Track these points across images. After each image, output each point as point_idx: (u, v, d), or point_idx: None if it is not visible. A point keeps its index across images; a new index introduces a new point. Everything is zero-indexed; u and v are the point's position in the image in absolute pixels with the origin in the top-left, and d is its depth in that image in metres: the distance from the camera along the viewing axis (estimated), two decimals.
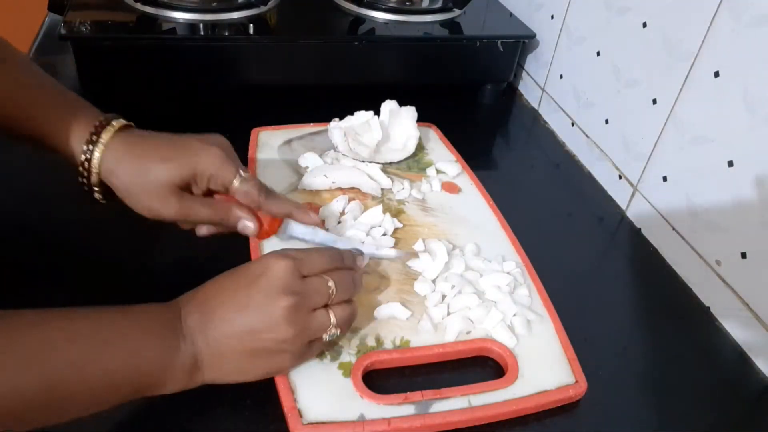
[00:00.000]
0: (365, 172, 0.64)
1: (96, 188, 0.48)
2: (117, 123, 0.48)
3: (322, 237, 0.52)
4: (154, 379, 0.38)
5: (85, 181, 0.48)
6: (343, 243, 0.52)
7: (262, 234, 0.51)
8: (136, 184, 0.47)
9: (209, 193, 0.50)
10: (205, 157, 0.48)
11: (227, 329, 0.40)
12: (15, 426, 0.33)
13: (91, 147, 0.47)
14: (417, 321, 0.49)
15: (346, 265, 0.46)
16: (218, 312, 0.40)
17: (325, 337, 0.43)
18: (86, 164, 0.47)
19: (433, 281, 0.52)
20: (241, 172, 0.49)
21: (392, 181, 0.64)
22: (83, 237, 0.57)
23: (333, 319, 0.43)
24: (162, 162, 0.47)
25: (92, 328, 0.37)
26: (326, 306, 0.43)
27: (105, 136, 0.47)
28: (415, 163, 0.69)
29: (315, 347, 0.44)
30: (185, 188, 0.48)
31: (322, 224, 0.54)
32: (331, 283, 0.43)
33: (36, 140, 0.48)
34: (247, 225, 0.49)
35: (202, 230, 0.52)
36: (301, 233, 0.52)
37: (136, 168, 0.47)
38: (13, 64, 0.49)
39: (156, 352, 0.38)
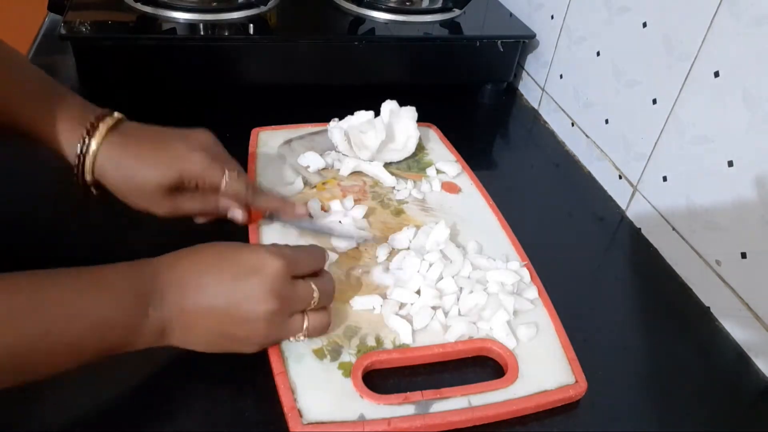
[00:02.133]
0: (368, 171, 0.64)
1: (91, 186, 0.50)
2: (104, 125, 0.48)
3: (306, 224, 0.56)
4: (121, 343, 0.39)
5: (79, 180, 0.49)
6: (324, 227, 0.57)
7: (252, 220, 0.54)
8: (127, 187, 0.49)
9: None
10: (190, 162, 0.49)
11: (205, 307, 0.41)
12: None
13: (82, 151, 0.48)
14: (420, 318, 0.49)
15: (321, 264, 0.47)
16: (200, 290, 0.41)
17: (291, 339, 0.45)
18: (80, 167, 0.48)
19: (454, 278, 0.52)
20: (227, 174, 0.51)
21: (396, 180, 0.64)
22: (81, 237, 0.57)
23: (306, 325, 0.44)
24: (148, 167, 0.49)
25: (58, 297, 0.37)
26: (303, 311, 0.45)
27: (95, 142, 0.48)
28: (415, 163, 0.69)
29: (278, 341, 0.46)
30: (175, 188, 0.50)
31: (307, 215, 0.57)
32: (315, 293, 0.44)
33: (27, 138, 0.49)
34: (236, 213, 0.53)
35: (199, 219, 0.54)
36: (288, 221, 0.56)
37: (125, 173, 0.49)
38: (5, 60, 0.49)
39: (123, 319, 0.39)
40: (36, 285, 0.37)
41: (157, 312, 0.40)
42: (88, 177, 0.49)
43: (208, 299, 0.41)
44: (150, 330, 0.40)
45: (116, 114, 0.50)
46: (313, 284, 0.44)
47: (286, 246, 0.45)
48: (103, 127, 0.48)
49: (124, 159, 0.49)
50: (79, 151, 0.48)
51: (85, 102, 0.51)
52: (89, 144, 0.48)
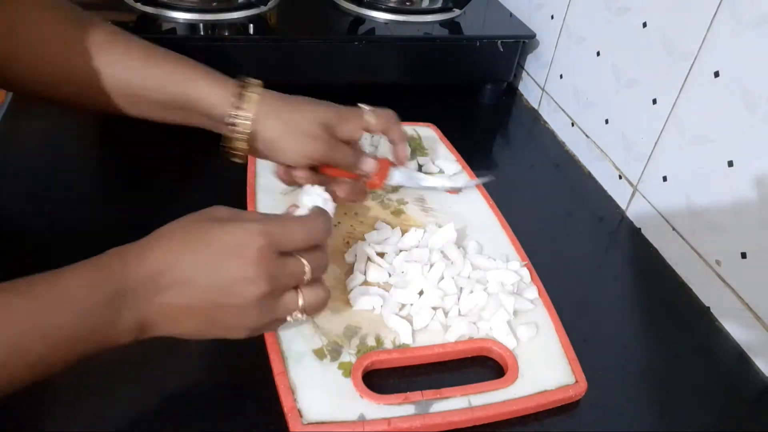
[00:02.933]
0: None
1: (239, 149, 0.52)
2: (254, 82, 0.52)
3: (418, 181, 0.61)
4: (92, 350, 0.36)
5: (229, 143, 0.51)
6: (428, 182, 0.62)
7: (378, 179, 0.56)
8: (288, 129, 0.51)
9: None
10: (342, 106, 0.54)
11: (185, 301, 0.38)
12: None
13: (236, 110, 0.50)
14: (420, 318, 0.49)
15: (320, 239, 0.42)
16: (177, 283, 0.37)
17: (289, 319, 0.42)
18: (233, 126, 0.50)
19: (453, 278, 0.52)
20: (366, 109, 0.55)
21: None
22: (83, 237, 0.56)
23: (301, 302, 0.41)
24: (311, 105, 0.52)
25: (12, 317, 0.34)
26: (296, 287, 0.41)
27: (250, 99, 0.50)
28: (415, 163, 0.69)
29: (274, 325, 0.43)
30: (327, 130, 0.52)
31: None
32: (307, 268, 0.41)
33: (184, 113, 0.52)
34: (368, 163, 0.55)
35: (337, 188, 0.55)
36: (399, 181, 0.59)
37: (288, 115, 0.51)
38: (149, 48, 0.51)
39: (90, 328, 0.35)
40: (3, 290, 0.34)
41: (131, 313, 0.37)
42: (242, 133, 0.50)
43: (188, 292, 0.37)
44: (125, 331, 0.37)
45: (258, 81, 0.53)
46: (304, 259, 0.41)
47: (275, 217, 0.42)
48: (254, 82, 0.52)
49: (283, 107, 0.51)
50: (233, 109, 0.50)
51: (217, 71, 0.53)
52: (244, 100, 0.50)
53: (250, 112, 0.50)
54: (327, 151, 0.52)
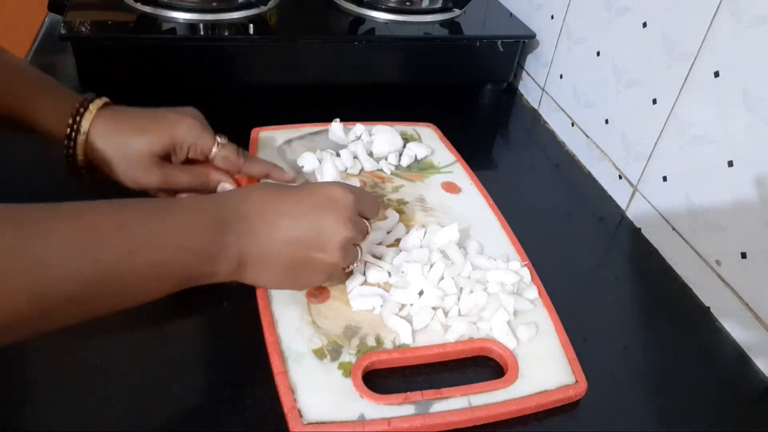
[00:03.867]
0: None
1: (81, 166, 0.51)
2: (94, 106, 0.50)
3: None
4: (202, 271, 0.40)
5: (70, 159, 0.50)
6: None
7: None
8: (119, 157, 0.50)
9: (187, 161, 0.53)
10: (183, 128, 0.50)
11: (281, 238, 0.42)
12: (73, 314, 0.35)
13: (74, 132, 0.49)
14: (420, 318, 0.49)
15: (377, 212, 0.50)
16: (278, 221, 0.42)
17: (352, 267, 0.49)
18: (71, 145, 0.49)
19: (453, 278, 0.52)
20: (218, 139, 0.52)
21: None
22: None
23: (360, 255, 0.48)
24: (142, 135, 0.50)
25: (142, 218, 0.38)
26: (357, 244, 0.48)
27: (87, 119, 0.49)
28: (415, 164, 0.69)
29: (342, 276, 0.51)
30: (165, 158, 0.51)
31: (297, 180, 0.58)
32: (370, 229, 0.48)
33: (19, 125, 0.50)
34: (226, 187, 0.53)
35: (182, 196, 0.53)
36: None
37: (118, 142, 0.49)
38: None
39: (204, 242, 0.39)
40: (118, 207, 0.37)
41: (235, 239, 0.41)
42: (79, 154, 0.50)
43: (285, 230, 0.42)
44: (229, 259, 0.41)
45: (104, 98, 0.51)
46: (366, 222, 0.48)
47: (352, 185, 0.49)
48: (93, 107, 0.50)
49: (117, 129, 0.50)
50: (69, 129, 0.48)
51: (69, 89, 0.52)
52: (80, 121, 0.49)
53: (83, 135, 0.49)
54: (161, 179, 0.51)
